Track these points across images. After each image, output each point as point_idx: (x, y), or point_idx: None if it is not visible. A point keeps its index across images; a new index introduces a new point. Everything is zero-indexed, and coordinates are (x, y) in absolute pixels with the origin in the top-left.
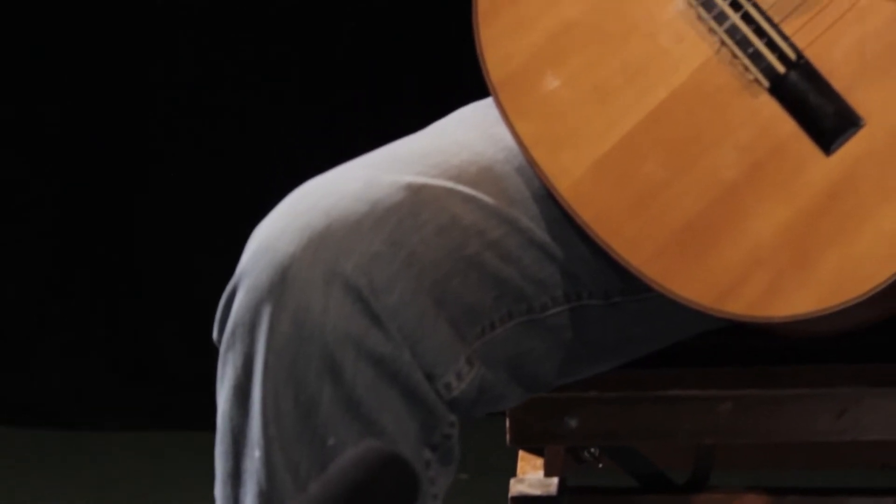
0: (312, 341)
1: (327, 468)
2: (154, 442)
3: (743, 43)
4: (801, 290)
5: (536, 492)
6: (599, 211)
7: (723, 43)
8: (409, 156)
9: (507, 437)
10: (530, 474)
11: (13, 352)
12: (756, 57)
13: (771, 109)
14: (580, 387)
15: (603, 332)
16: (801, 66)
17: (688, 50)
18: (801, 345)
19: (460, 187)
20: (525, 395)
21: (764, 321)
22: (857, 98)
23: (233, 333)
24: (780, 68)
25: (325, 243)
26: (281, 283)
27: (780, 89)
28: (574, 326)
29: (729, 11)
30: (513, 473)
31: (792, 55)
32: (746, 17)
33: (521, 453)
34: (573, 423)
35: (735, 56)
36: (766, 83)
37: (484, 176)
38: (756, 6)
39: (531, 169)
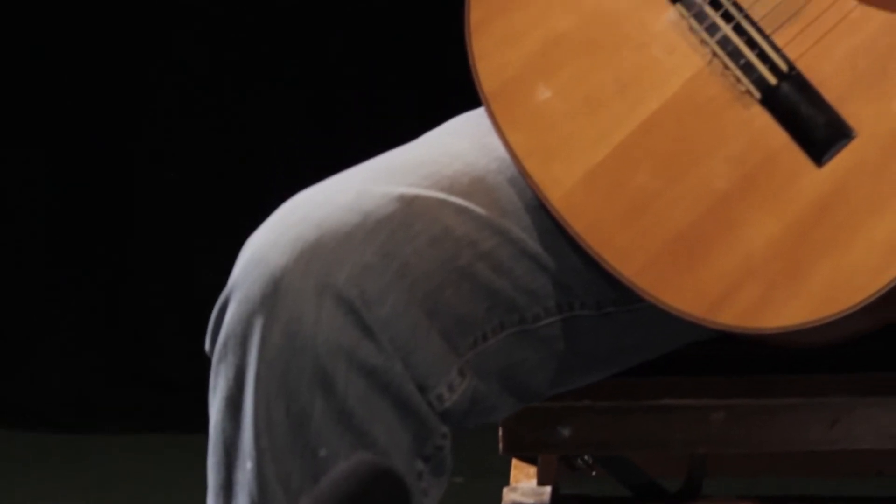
0: (304, 353)
1: (319, 480)
2: (153, 444)
3: (734, 54)
4: (793, 300)
5: (529, 501)
6: (591, 221)
7: (714, 54)
8: (401, 167)
9: (500, 446)
10: (523, 483)
11: (12, 353)
12: (747, 68)
13: (762, 120)
14: (573, 396)
15: (595, 342)
16: (793, 77)
17: (679, 61)
18: (794, 354)
19: (452, 198)
20: (517, 406)
21: (756, 332)
22: (849, 109)
23: (225, 345)
24: (772, 79)
25: (317, 255)
26: (273, 295)
27: (771, 100)
28: (566, 337)
29: (720, 23)
30: (508, 476)
31: (783, 66)
32: (738, 29)
33: (514, 462)
34: (566, 432)
35: (727, 67)
36: (757, 94)
37: (476, 187)
38: (747, 17)
39: (523, 179)
